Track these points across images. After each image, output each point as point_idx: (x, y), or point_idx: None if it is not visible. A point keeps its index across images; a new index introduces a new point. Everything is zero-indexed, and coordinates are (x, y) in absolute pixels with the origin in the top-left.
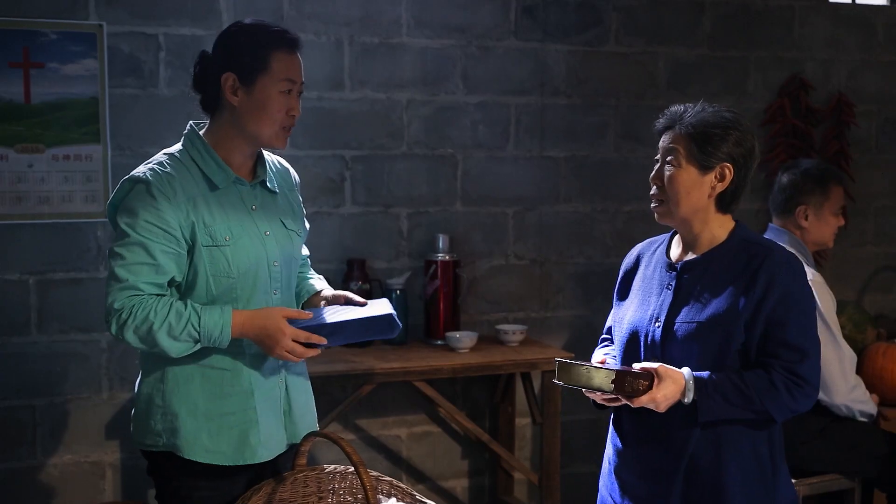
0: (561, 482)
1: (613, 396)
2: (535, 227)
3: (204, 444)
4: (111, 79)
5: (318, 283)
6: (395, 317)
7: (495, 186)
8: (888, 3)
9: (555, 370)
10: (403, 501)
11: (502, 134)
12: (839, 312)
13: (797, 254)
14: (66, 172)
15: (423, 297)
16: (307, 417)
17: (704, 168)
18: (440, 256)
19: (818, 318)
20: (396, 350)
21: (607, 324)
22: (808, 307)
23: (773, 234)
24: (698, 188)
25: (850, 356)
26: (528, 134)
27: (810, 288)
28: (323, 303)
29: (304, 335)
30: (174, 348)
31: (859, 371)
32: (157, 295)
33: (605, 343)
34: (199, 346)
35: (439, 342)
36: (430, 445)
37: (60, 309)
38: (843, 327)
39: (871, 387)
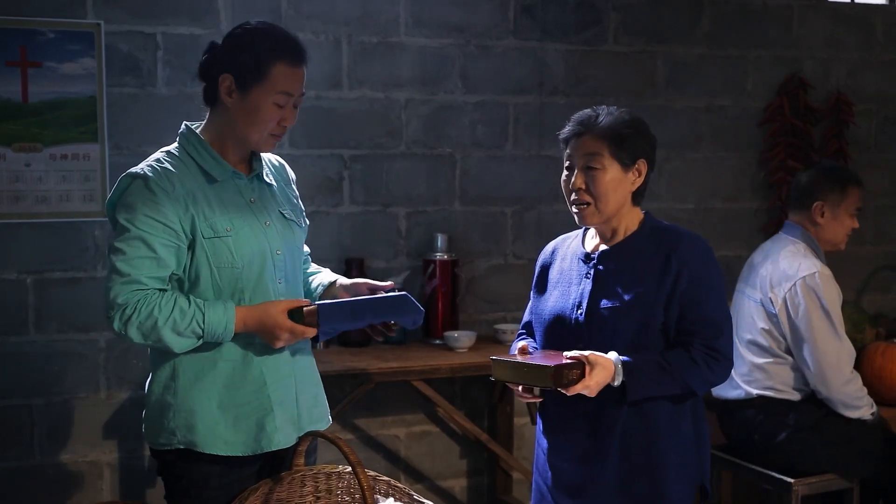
0: None
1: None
2: (534, 226)
3: (222, 436)
4: (109, 78)
5: (329, 275)
6: (411, 298)
7: (494, 186)
8: (887, 3)
9: (491, 367)
10: (401, 501)
11: (501, 133)
12: None
13: (808, 248)
14: (64, 171)
15: (422, 297)
16: (316, 409)
17: (626, 166)
18: (439, 256)
19: (822, 310)
20: (395, 350)
21: (524, 319)
22: (718, 284)
23: (787, 229)
24: (623, 186)
25: (848, 350)
26: (526, 133)
27: (719, 267)
28: (342, 293)
29: (300, 329)
30: (178, 344)
31: (858, 370)
32: (160, 290)
33: (522, 337)
34: (201, 342)
35: (438, 342)
36: (428, 445)
37: (58, 308)
38: None
39: (870, 386)
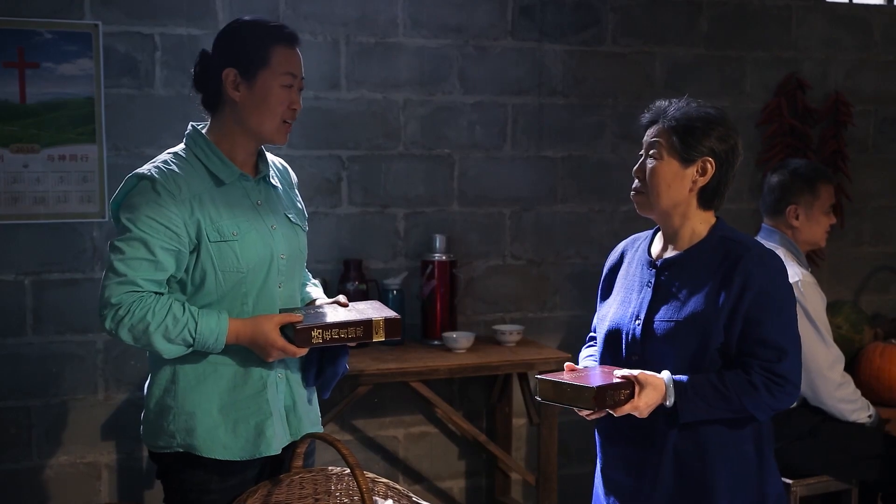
0: (558, 483)
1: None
2: (533, 227)
3: (221, 440)
4: (107, 79)
5: (314, 291)
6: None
7: (492, 187)
8: (885, 3)
9: (536, 386)
10: (400, 503)
11: (499, 134)
12: (836, 313)
13: (789, 254)
14: (62, 173)
15: (420, 298)
16: (310, 415)
17: (685, 161)
18: (437, 257)
19: (806, 318)
20: (393, 351)
21: (594, 323)
22: (787, 305)
23: (765, 234)
24: (679, 181)
25: (836, 356)
26: (525, 134)
27: (790, 286)
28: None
29: (291, 349)
30: (167, 350)
31: (856, 371)
32: (156, 293)
33: (591, 343)
34: (191, 350)
35: (436, 343)
36: (427, 446)
37: (56, 310)
38: (839, 327)
39: (868, 387)
